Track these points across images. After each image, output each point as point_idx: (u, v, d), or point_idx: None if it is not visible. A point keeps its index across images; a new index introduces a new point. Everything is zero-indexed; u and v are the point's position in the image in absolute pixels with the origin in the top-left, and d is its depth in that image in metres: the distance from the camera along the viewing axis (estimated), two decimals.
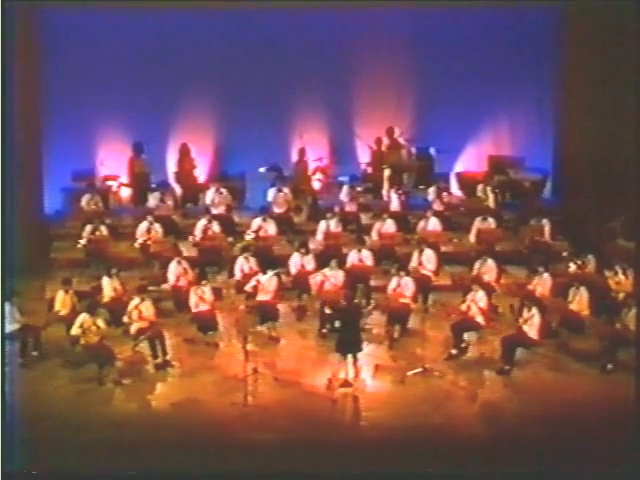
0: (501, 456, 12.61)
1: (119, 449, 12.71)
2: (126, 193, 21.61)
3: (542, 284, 16.33)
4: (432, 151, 21.99)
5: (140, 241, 18.48)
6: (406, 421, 13.56)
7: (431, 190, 20.30)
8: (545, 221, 18.80)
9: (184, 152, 21.59)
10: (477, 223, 18.94)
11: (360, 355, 14.53)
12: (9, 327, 15.01)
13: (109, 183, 21.42)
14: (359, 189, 20.71)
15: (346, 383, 14.36)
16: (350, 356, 14.39)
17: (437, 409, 13.93)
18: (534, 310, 14.93)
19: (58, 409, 13.87)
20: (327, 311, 15.79)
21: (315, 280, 16.71)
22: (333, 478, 12.14)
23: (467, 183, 21.49)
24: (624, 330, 14.86)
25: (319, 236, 18.80)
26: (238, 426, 13.38)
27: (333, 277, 16.58)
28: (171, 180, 21.70)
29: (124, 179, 21.57)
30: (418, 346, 15.90)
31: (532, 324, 14.90)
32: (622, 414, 13.09)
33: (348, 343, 14.41)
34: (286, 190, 20.24)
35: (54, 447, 12.66)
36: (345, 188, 20.57)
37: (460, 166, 22.21)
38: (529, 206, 20.29)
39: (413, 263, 17.37)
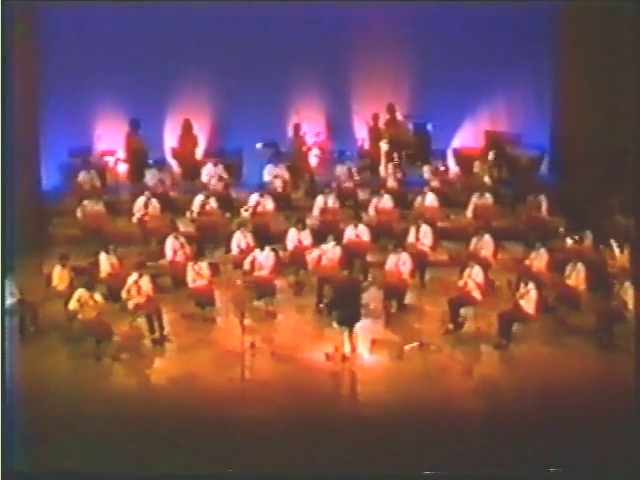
0: (498, 430, 12.67)
1: (117, 424, 12.75)
2: (123, 169, 21.55)
3: (539, 260, 16.38)
4: (429, 127, 21.94)
5: (138, 216, 18.48)
6: (403, 395, 13.62)
7: (426, 167, 20.27)
8: (542, 197, 18.81)
9: (186, 128, 21.49)
10: (474, 199, 18.94)
11: (357, 330, 14.55)
12: (7, 303, 15.01)
13: (106, 159, 21.35)
14: (354, 170, 20.63)
15: (344, 358, 14.40)
16: (346, 331, 14.42)
17: (434, 383, 14.00)
18: (531, 285, 14.98)
19: (56, 384, 13.90)
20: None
21: (312, 256, 16.74)
22: (331, 454, 12.17)
23: (464, 159, 21.47)
24: (620, 305, 14.90)
25: (316, 212, 18.80)
26: (235, 400, 13.42)
27: (330, 252, 16.61)
28: (168, 156, 21.65)
29: (121, 154, 21.50)
30: (415, 321, 15.92)
31: (529, 299, 14.96)
32: (619, 388, 13.16)
33: (347, 316, 14.42)
34: (283, 166, 20.22)
35: (52, 423, 12.70)
36: (342, 164, 20.55)
37: (457, 142, 22.20)
38: (526, 182, 20.27)
39: (410, 239, 17.40)
